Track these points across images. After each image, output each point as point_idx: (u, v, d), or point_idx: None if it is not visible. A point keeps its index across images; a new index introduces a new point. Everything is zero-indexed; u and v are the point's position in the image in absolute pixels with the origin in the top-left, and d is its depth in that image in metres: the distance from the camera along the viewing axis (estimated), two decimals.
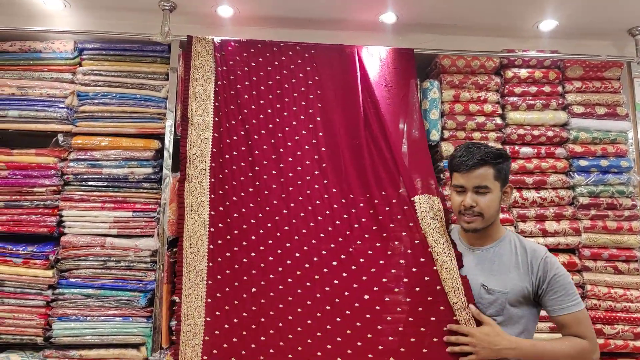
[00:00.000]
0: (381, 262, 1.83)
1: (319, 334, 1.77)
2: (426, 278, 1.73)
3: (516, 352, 1.49)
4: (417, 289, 1.74)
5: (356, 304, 1.79)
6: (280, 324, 1.80)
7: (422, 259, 1.77)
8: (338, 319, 1.78)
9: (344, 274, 1.84)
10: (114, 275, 2.20)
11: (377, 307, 1.76)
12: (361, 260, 1.86)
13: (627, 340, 2.39)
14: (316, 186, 1.98)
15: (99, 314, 2.17)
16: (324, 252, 1.88)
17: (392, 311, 1.75)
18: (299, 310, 1.82)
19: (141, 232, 2.22)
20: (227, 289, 1.84)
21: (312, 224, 1.92)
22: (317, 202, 1.95)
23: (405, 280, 1.79)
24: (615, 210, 2.49)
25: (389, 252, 1.83)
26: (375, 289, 1.80)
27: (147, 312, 2.16)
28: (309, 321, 1.81)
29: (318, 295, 1.81)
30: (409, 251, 1.80)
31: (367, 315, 1.76)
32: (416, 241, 1.80)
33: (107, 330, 2.16)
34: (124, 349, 2.16)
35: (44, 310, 2.18)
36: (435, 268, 1.72)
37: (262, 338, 1.79)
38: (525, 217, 2.44)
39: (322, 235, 1.91)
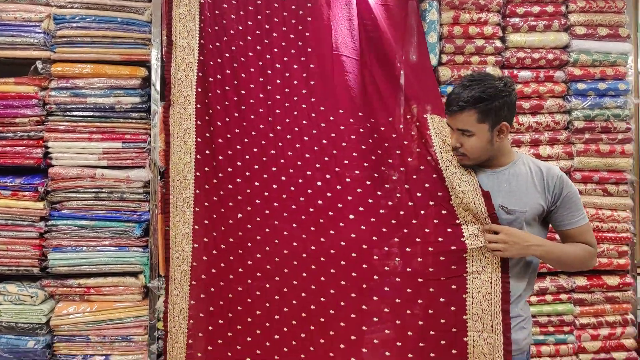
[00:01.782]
0: (379, 192, 1.83)
1: (312, 247, 1.79)
2: (443, 212, 1.74)
3: (542, 249, 1.58)
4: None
5: (353, 235, 1.80)
6: (267, 248, 1.80)
7: (435, 180, 1.76)
8: (332, 232, 1.79)
9: (329, 194, 1.83)
10: (107, 206, 2.18)
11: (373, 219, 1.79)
12: (358, 190, 1.84)
13: (612, 258, 2.48)
14: (303, 106, 1.91)
15: (94, 244, 2.17)
16: (308, 173, 1.86)
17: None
18: (285, 233, 1.82)
19: (132, 164, 2.17)
20: (214, 216, 1.83)
21: (298, 145, 1.87)
22: (304, 122, 1.90)
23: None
24: (609, 134, 2.49)
25: (394, 177, 1.82)
26: (372, 219, 1.81)
27: (143, 241, 2.16)
28: (295, 243, 1.82)
29: (303, 217, 1.81)
30: (422, 167, 1.79)
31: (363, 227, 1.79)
32: (428, 157, 1.78)
33: (104, 259, 2.17)
34: (122, 277, 2.18)
35: (38, 241, 2.17)
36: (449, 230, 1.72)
37: (249, 262, 1.80)
38: (520, 142, 2.43)
39: (307, 155, 1.88)
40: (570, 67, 2.46)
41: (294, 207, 1.83)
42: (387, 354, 1.69)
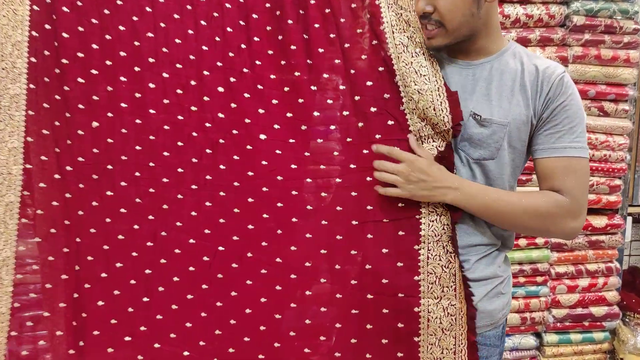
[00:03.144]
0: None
1: (236, 184, 1.17)
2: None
3: (457, 194, 1.01)
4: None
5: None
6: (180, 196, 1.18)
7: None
8: (235, 157, 1.18)
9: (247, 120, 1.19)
10: None
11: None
12: (274, 102, 1.20)
13: (601, 194, 2.00)
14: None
15: None
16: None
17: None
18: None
19: None
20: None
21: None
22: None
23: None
24: (613, 35, 1.93)
25: (324, 76, 1.18)
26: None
27: None
28: (208, 176, 1.20)
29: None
30: (363, 57, 1.13)
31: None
32: (374, 41, 1.14)
33: None
34: None
35: None
36: None
37: (151, 217, 1.19)
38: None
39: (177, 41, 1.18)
40: None
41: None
42: (307, 321, 1.15)
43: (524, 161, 1.09)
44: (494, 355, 1.12)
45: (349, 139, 1.14)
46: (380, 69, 1.10)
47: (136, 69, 1.14)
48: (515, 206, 1.00)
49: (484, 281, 1.08)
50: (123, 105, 1.14)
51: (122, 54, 1.13)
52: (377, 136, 1.09)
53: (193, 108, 1.15)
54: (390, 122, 1.09)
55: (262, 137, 1.16)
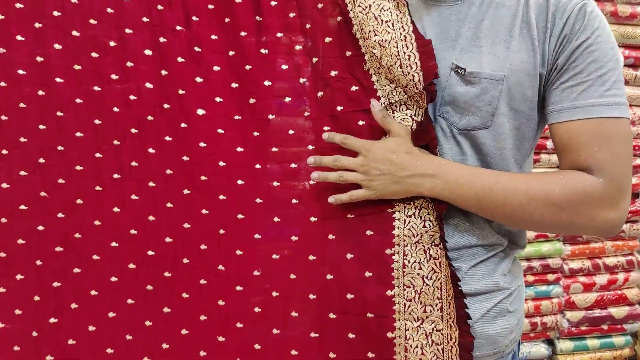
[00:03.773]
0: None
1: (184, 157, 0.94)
2: None
3: (435, 182, 0.74)
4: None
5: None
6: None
7: None
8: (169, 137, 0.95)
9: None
10: None
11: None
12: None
13: None
14: None
15: None
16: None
17: None
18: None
19: None
20: None
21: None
22: None
23: None
24: None
25: (278, 35, 0.92)
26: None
27: None
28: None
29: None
30: (319, 6, 0.88)
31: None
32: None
33: None
34: None
35: None
36: None
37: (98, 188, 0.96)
38: None
39: None
40: None
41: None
42: (256, 346, 0.91)
43: (535, 130, 0.79)
44: None
45: (306, 113, 0.89)
46: (339, 18, 0.85)
47: (36, 25, 0.89)
48: (521, 194, 0.71)
49: (482, 295, 0.80)
50: (20, 72, 0.90)
51: (18, 5, 0.89)
52: (339, 108, 0.84)
53: (113, 76, 0.90)
54: (354, 88, 0.83)
55: (200, 112, 0.91)
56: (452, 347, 0.78)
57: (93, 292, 0.91)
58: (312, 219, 0.86)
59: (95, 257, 0.90)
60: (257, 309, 0.89)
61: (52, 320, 0.90)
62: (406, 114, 0.79)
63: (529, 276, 1.71)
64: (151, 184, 0.91)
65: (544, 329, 1.73)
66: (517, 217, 0.73)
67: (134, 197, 0.91)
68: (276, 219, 0.89)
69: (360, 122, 0.82)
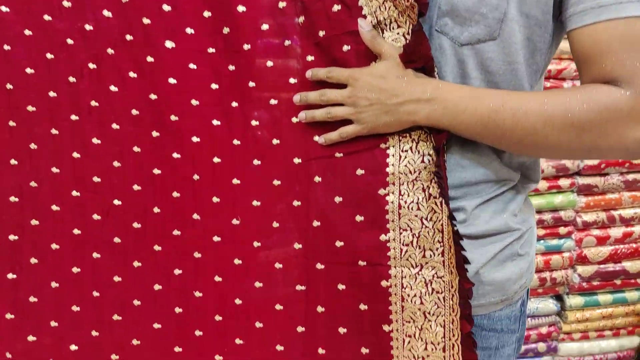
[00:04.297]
0: None
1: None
2: None
3: (433, 107, 0.63)
4: None
5: None
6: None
7: None
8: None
9: None
10: None
11: None
12: None
13: None
14: None
15: None
16: None
17: None
18: None
19: None
20: None
21: None
22: None
23: None
24: None
25: None
26: None
27: None
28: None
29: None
30: None
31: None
32: None
33: None
34: None
35: None
36: None
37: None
38: None
39: None
40: None
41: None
42: (237, 301, 0.82)
43: (551, 40, 0.66)
44: (508, 344, 0.77)
45: (287, 42, 0.77)
46: None
47: None
48: (534, 116, 0.60)
49: (490, 238, 0.70)
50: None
51: None
52: (321, 33, 0.72)
53: (65, 3, 0.79)
54: (336, 8, 0.71)
55: (169, 45, 0.79)
56: (453, 295, 0.69)
57: (54, 246, 0.82)
58: (296, 160, 0.76)
59: (54, 207, 0.81)
60: (237, 261, 0.80)
61: (11, 276, 0.82)
62: (398, 33, 0.67)
63: (539, 230, 1.61)
64: (115, 125, 0.80)
65: (554, 284, 1.65)
66: (529, 143, 0.62)
67: (95, 140, 0.81)
68: (256, 162, 0.79)
69: (345, 48, 0.70)
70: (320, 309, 0.76)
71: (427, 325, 0.71)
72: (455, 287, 0.68)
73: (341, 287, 0.75)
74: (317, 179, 0.74)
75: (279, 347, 0.79)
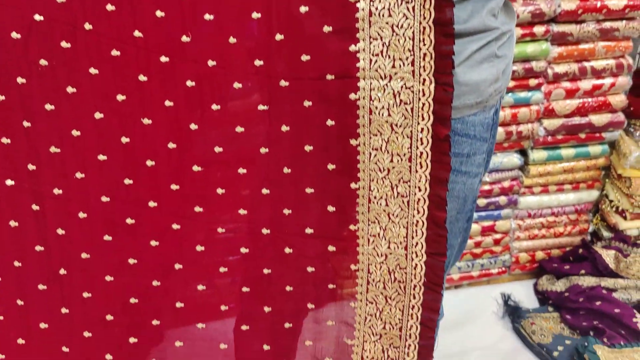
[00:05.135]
0: None
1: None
2: None
3: None
4: None
5: None
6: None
7: None
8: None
9: None
10: None
11: None
12: None
13: None
14: None
15: None
16: None
17: None
18: None
19: None
20: None
21: None
22: None
23: None
24: None
25: None
26: None
27: None
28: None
29: None
30: None
31: None
32: None
33: None
34: None
35: None
36: None
37: None
38: None
39: None
40: None
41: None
42: (195, 169, 0.74)
43: None
44: (480, 152, 0.76)
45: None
46: None
47: None
48: None
49: (467, 37, 0.66)
50: None
51: None
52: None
53: None
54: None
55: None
56: (424, 104, 0.62)
57: (35, 207, 0.75)
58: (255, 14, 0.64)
59: (30, 167, 0.73)
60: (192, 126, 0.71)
61: None
62: None
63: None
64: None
65: (519, 138, 1.62)
66: None
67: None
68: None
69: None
70: (284, 127, 0.69)
71: (394, 137, 0.65)
72: (428, 95, 0.62)
73: (307, 103, 0.68)
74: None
75: (241, 170, 0.73)
